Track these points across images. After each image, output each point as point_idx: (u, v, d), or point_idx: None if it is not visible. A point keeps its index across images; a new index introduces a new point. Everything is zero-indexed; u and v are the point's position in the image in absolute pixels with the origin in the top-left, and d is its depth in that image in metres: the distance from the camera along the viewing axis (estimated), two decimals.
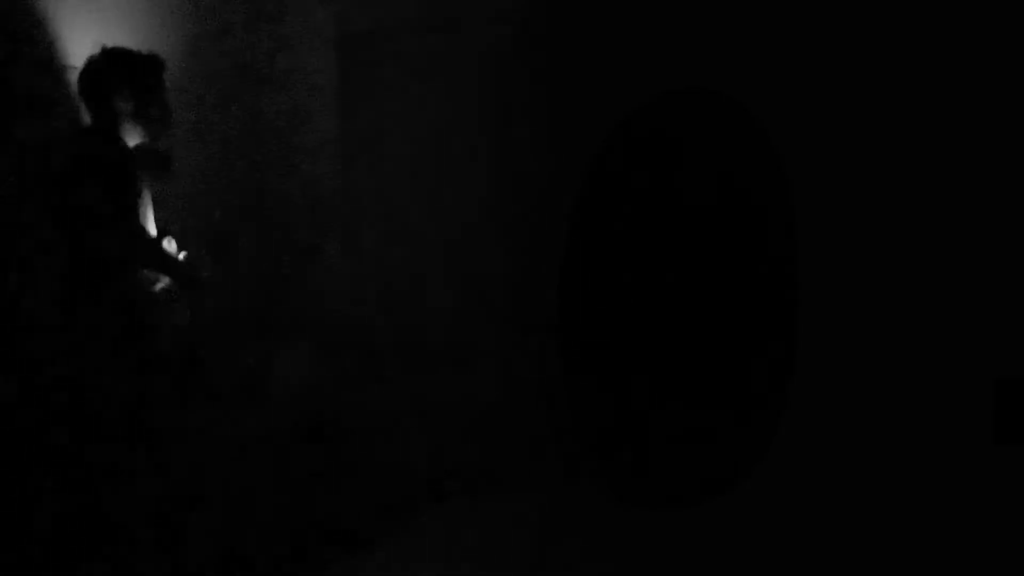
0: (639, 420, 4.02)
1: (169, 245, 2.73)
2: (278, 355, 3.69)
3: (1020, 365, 3.00)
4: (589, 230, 4.29)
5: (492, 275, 4.37)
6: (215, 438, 3.08)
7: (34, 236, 2.68)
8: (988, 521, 2.85)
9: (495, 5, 4.20)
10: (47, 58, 2.89)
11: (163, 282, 2.62)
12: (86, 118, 2.71)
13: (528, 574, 3.07)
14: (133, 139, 2.68)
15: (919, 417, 3.27)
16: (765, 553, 3.10)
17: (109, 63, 2.68)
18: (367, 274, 4.63)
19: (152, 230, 2.67)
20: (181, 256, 2.74)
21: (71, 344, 2.53)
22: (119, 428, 2.53)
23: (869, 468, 3.30)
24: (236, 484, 3.04)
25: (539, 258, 4.35)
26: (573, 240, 4.33)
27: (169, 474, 2.70)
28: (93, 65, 2.68)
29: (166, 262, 2.62)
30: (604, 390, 4.03)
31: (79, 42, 2.89)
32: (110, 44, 2.72)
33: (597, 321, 4.17)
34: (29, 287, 2.69)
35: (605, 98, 4.17)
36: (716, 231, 4.26)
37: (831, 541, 3.06)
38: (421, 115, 4.39)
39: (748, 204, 4.18)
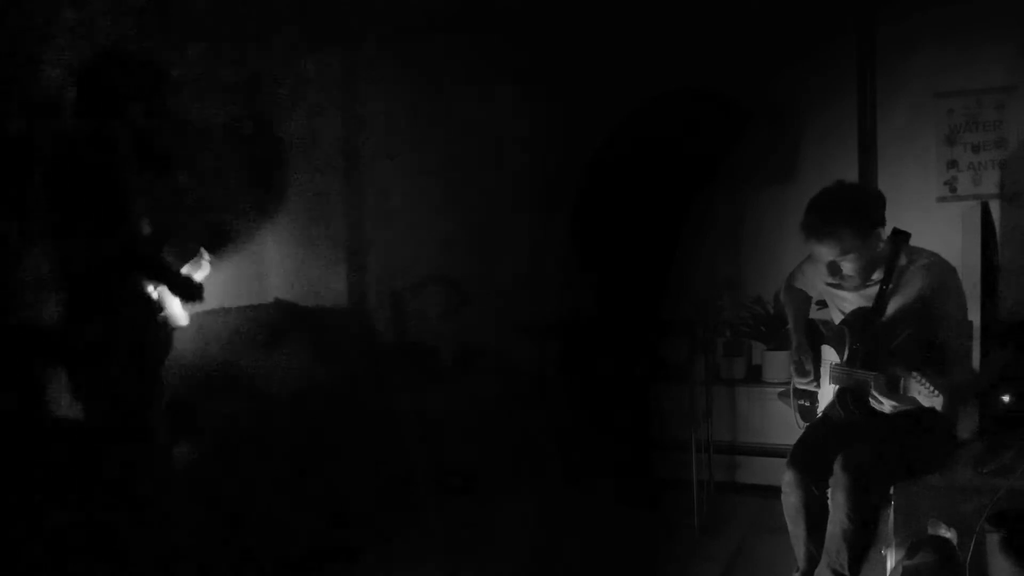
0: (640, 420, 4.03)
1: (198, 261, 2.69)
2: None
3: None
4: (588, 231, 4.29)
5: (492, 275, 4.37)
6: (215, 438, 3.08)
7: (29, 240, 2.68)
8: None
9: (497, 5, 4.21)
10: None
11: (159, 286, 2.60)
12: (85, 120, 2.69)
13: (528, 573, 3.07)
14: (130, 143, 2.67)
15: None
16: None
17: (110, 64, 2.66)
18: (368, 274, 4.64)
19: (145, 230, 2.65)
20: (205, 259, 2.71)
21: (69, 349, 2.52)
22: (117, 432, 2.53)
23: None
24: (236, 484, 3.05)
25: (539, 258, 4.35)
26: (573, 240, 4.33)
27: (168, 477, 2.71)
28: (94, 65, 2.66)
29: (161, 267, 2.60)
30: (604, 390, 4.02)
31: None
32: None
33: (597, 320, 4.17)
34: (24, 292, 2.69)
35: (604, 98, 4.17)
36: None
37: None
38: (422, 116, 4.40)
39: None
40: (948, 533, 2.25)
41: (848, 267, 2.48)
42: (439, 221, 4.38)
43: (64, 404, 2.70)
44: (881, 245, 2.48)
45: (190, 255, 2.71)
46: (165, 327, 2.61)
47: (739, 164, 4.10)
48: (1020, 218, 3.72)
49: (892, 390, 2.30)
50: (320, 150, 4.35)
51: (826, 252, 2.45)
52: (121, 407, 2.52)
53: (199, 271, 2.73)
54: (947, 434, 2.53)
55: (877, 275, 2.50)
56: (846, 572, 2.36)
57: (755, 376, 4.06)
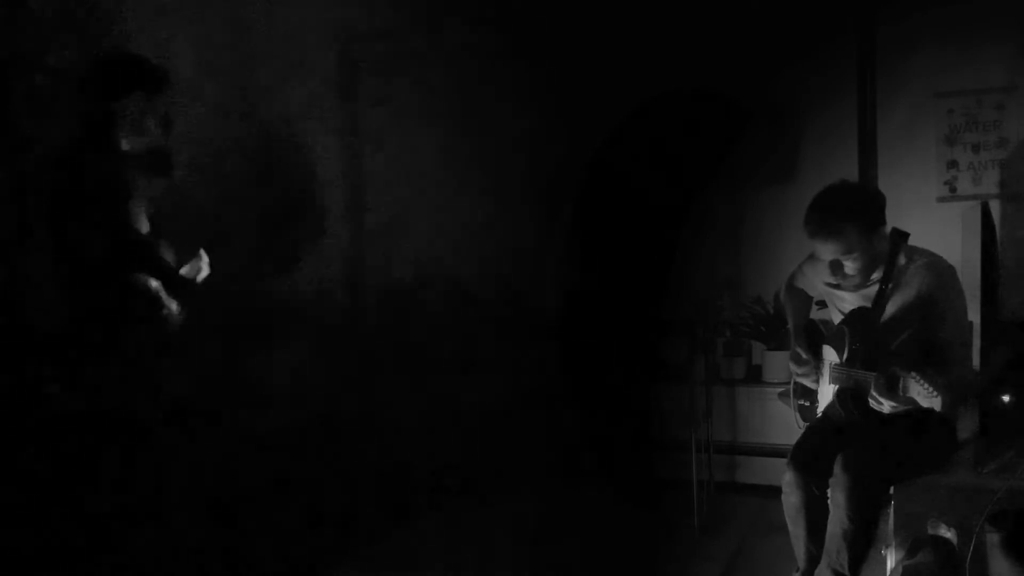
0: (640, 420, 4.03)
1: (197, 262, 2.69)
2: None
3: None
4: (588, 231, 4.29)
5: (493, 277, 4.37)
6: (215, 438, 3.08)
7: (29, 239, 2.68)
8: None
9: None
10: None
11: (155, 284, 2.59)
12: (85, 120, 2.70)
13: (528, 574, 3.07)
14: (130, 143, 2.67)
15: None
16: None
17: (111, 66, 2.67)
18: (368, 274, 4.64)
19: (144, 230, 2.65)
20: (204, 261, 2.72)
21: (66, 346, 2.53)
22: (115, 428, 2.54)
23: None
24: (236, 484, 3.05)
25: (539, 260, 4.35)
26: (572, 241, 4.33)
27: (169, 474, 2.71)
28: (95, 67, 2.67)
29: (158, 266, 2.60)
30: (602, 391, 4.03)
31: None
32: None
33: (597, 320, 4.17)
34: (24, 289, 2.69)
35: (604, 98, 4.17)
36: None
37: None
38: (421, 116, 4.39)
39: None
40: (948, 533, 2.25)
41: (850, 266, 2.48)
42: (440, 220, 4.38)
43: (64, 400, 2.71)
44: (883, 245, 2.49)
45: (189, 254, 2.72)
46: (165, 324, 2.61)
47: (739, 164, 4.10)
48: (1020, 218, 3.73)
49: (891, 390, 2.30)
50: (319, 148, 4.35)
51: (830, 250, 2.45)
52: (120, 403, 2.53)
53: (198, 271, 2.73)
54: (947, 434, 2.53)
55: (876, 275, 2.50)
56: (846, 572, 2.36)
57: (755, 376, 4.06)
